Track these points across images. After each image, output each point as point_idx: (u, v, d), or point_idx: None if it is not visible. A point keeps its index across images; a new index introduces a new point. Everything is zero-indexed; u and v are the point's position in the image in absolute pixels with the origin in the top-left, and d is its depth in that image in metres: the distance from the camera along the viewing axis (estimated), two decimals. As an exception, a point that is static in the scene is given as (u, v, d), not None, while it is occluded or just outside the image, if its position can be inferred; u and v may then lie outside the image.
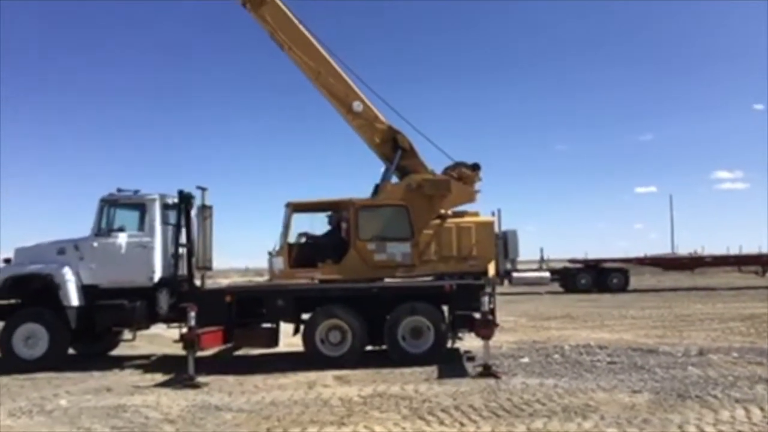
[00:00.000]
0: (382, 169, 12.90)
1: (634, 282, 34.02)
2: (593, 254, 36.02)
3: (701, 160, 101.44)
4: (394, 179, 12.66)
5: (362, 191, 12.77)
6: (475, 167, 12.49)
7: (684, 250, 41.11)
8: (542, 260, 34.64)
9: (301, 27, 12.78)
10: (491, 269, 12.05)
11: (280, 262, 11.92)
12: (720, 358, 10.93)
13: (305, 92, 13.02)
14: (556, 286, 32.88)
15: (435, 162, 12.80)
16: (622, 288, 32.31)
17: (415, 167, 12.60)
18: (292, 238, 12.38)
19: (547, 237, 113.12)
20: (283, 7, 12.77)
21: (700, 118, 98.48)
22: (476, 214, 12.59)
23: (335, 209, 12.69)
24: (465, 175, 12.40)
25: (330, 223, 12.81)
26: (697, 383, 8.88)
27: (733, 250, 36.79)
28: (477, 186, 12.49)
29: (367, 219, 12.04)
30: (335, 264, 11.93)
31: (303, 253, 12.18)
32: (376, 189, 12.70)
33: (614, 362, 10.81)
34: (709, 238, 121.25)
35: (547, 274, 32.61)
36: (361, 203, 12.18)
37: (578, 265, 34.66)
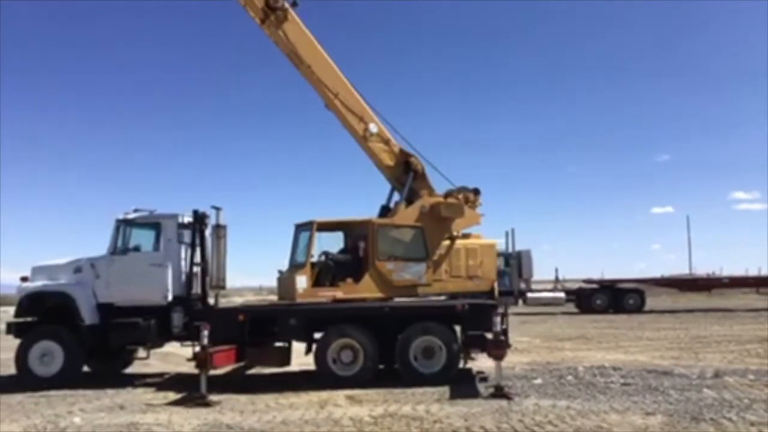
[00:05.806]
0: (389, 190, 13.05)
1: (650, 303, 33.60)
2: (610, 275, 35.65)
3: (718, 181, 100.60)
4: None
5: (366, 212, 12.91)
6: (477, 192, 12.79)
7: (701, 270, 40.56)
8: (557, 280, 34.40)
9: (319, 47, 12.82)
10: (495, 288, 12.48)
11: (303, 281, 11.80)
12: (736, 381, 10.78)
13: (319, 113, 13.07)
14: (571, 307, 32.57)
15: (435, 185, 13.03)
16: (638, 309, 31.88)
17: (424, 190, 12.71)
18: (312, 257, 12.30)
19: (562, 257, 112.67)
20: (303, 26, 12.77)
21: (717, 138, 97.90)
22: (479, 236, 12.95)
23: (354, 229, 12.75)
24: (469, 199, 12.66)
25: (345, 242, 12.87)
26: (711, 406, 8.78)
27: (752, 271, 36.35)
28: (479, 210, 12.83)
29: (385, 239, 12.13)
30: (355, 283, 11.97)
31: (324, 273, 12.14)
32: (384, 210, 12.78)
33: (628, 384, 10.70)
34: (727, 259, 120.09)
35: (562, 295, 32.29)
36: (380, 223, 12.25)
37: (593, 286, 34.20)
